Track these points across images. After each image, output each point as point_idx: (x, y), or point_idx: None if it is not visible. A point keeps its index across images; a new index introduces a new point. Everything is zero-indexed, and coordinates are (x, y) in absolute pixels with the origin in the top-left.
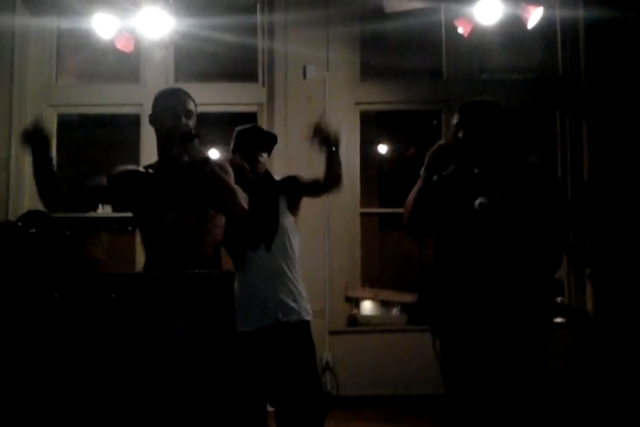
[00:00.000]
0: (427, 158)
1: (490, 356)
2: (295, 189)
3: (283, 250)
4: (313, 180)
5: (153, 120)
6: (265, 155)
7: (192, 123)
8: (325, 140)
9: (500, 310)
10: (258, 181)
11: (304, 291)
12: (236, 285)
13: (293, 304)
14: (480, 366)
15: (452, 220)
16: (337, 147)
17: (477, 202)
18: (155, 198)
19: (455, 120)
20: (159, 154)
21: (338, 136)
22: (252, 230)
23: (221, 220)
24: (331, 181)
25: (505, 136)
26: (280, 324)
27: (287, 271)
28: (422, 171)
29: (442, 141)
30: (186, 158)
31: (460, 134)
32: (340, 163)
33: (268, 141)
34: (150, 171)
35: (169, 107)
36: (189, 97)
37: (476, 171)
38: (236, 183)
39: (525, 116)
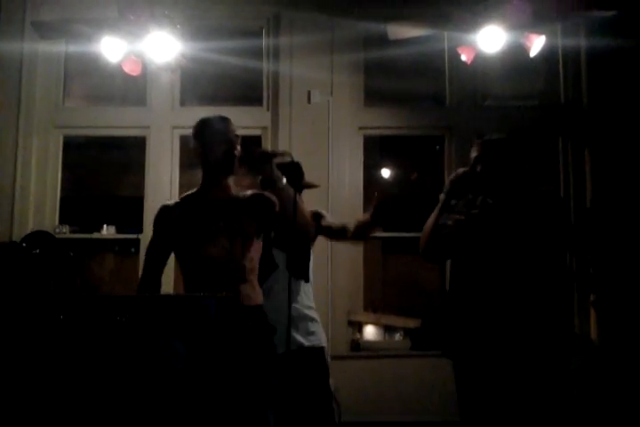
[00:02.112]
0: (447, 184)
1: (509, 381)
2: (317, 226)
3: (304, 268)
4: (339, 226)
5: (199, 147)
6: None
7: (239, 148)
8: (385, 211)
9: (519, 335)
10: None
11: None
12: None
13: (313, 328)
14: (498, 391)
15: (468, 247)
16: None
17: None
18: (205, 227)
19: (474, 153)
20: (203, 182)
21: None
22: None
23: (259, 244)
24: (360, 237)
25: (520, 171)
26: (302, 349)
27: (307, 295)
28: (442, 196)
29: (462, 169)
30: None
31: (479, 168)
32: (374, 230)
33: (297, 173)
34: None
35: (219, 133)
36: (231, 123)
37: (490, 201)
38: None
39: (528, 143)
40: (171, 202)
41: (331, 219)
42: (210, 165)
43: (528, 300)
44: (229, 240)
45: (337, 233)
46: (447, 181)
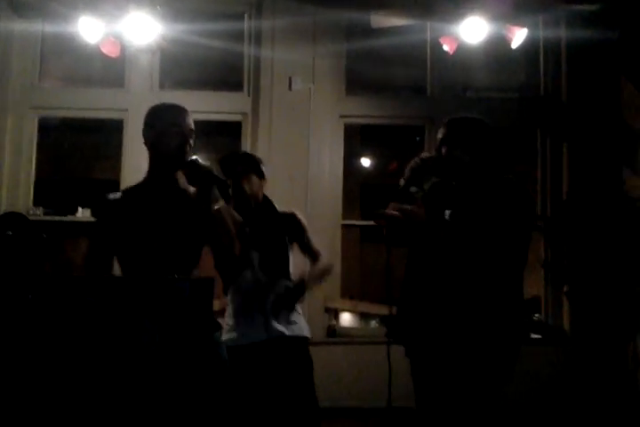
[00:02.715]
0: (407, 171)
1: (450, 370)
2: (294, 232)
3: (282, 267)
4: (312, 249)
5: (151, 136)
6: (255, 178)
7: (192, 142)
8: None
9: (462, 324)
10: (258, 211)
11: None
12: (233, 301)
13: (295, 318)
14: (440, 379)
15: (424, 231)
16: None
17: (447, 213)
18: (144, 227)
19: (440, 135)
20: (151, 174)
21: None
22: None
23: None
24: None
25: (486, 153)
26: (284, 338)
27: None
28: (402, 181)
29: (423, 154)
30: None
31: (444, 149)
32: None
33: (252, 163)
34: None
35: (174, 124)
36: (189, 115)
37: (454, 184)
38: (236, 210)
39: (506, 135)
40: (113, 195)
41: (309, 239)
42: (160, 156)
43: (473, 288)
44: (175, 236)
45: (309, 253)
46: (407, 168)
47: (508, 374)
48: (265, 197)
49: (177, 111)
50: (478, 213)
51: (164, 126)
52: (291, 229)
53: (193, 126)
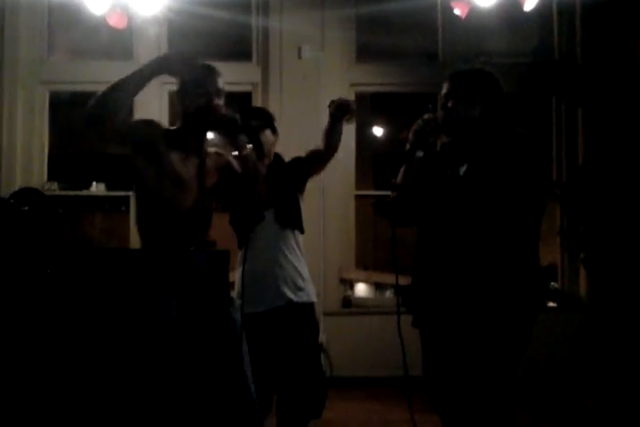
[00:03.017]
0: (410, 135)
1: (465, 339)
2: (302, 170)
3: (296, 221)
4: (312, 152)
5: (179, 94)
6: (269, 132)
7: (221, 102)
8: (344, 114)
9: (476, 293)
10: (271, 167)
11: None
12: (241, 264)
13: (302, 284)
14: (453, 348)
15: (434, 193)
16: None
17: (462, 170)
18: (180, 172)
19: (445, 90)
20: (181, 127)
21: (354, 111)
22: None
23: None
24: (331, 148)
25: (497, 106)
26: (292, 304)
27: (295, 251)
28: (407, 147)
29: (426, 115)
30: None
31: (450, 104)
32: (341, 133)
33: (267, 118)
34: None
35: (199, 85)
36: (218, 75)
37: (465, 142)
38: None
39: (521, 100)
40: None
41: (306, 153)
42: (186, 115)
43: (489, 252)
44: (201, 192)
45: (318, 158)
46: (410, 131)
47: (523, 343)
48: (275, 153)
49: (204, 72)
50: (492, 172)
51: (189, 86)
52: (300, 171)
53: (222, 86)
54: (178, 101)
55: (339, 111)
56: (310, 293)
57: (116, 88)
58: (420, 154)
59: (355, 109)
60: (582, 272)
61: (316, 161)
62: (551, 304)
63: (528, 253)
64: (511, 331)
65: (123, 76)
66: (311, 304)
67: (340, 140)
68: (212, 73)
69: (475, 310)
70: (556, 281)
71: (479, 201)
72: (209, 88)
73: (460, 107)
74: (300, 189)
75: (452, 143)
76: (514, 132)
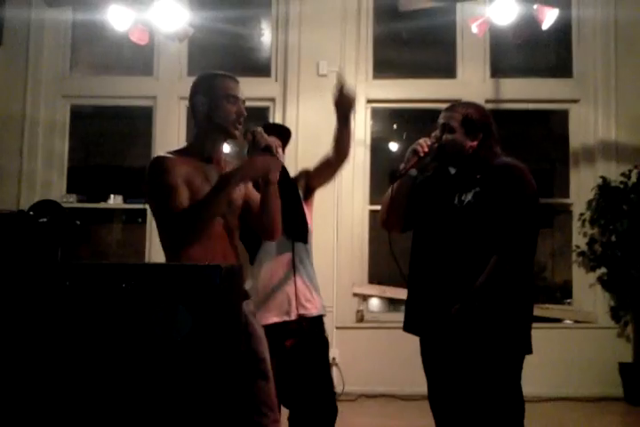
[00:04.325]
0: (407, 154)
1: (465, 361)
2: (308, 181)
3: (303, 234)
4: (321, 162)
5: (205, 105)
6: (281, 150)
7: (245, 113)
8: (346, 104)
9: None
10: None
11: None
12: (252, 279)
13: (311, 297)
14: (450, 367)
15: (429, 217)
16: (350, 113)
17: (456, 199)
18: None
19: (442, 120)
20: (198, 141)
21: (354, 101)
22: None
23: None
24: (341, 154)
25: (488, 138)
26: (301, 319)
27: (304, 262)
28: (401, 166)
29: (422, 140)
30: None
31: (445, 136)
32: (350, 136)
33: (286, 137)
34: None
35: (230, 95)
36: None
37: (453, 172)
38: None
39: (538, 117)
40: (170, 155)
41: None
42: (214, 126)
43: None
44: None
45: (327, 167)
46: (408, 152)
47: (519, 362)
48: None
49: (232, 81)
50: (485, 202)
51: (219, 96)
52: (306, 183)
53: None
54: (199, 111)
55: (343, 105)
56: (319, 305)
57: (206, 209)
58: (413, 172)
59: (351, 98)
60: (597, 289)
61: (326, 170)
62: (567, 321)
63: (523, 275)
64: (509, 351)
65: (209, 195)
66: (320, 318)
67: (349, 145)
68: (238, 83)
69: (473, 329)
70: (570, 298)
71: (481, 227)
72: (239, 96)
73: (454, 138)
74: (306, 199)
75: (441, 170)
76: (502, 162)
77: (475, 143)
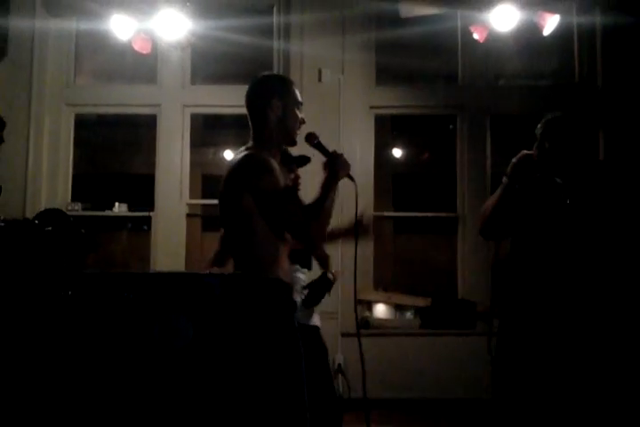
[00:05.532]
0: (510, 166)
1: (563, 360)
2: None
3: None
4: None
5: (280, 109)
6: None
7: None
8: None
9: (582, 312)
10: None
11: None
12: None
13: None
14: (549, 370)
15: (537, 223)
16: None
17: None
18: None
19: (540, 130)
20: (273, 144)
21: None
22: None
23: None
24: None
25: (585, 147)
26: (300, 326)
27: (301, 276)
28: (505, 178)
29: (526, 151)
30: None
31: (547, 145)
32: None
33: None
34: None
35: (300, 102)
36: None
37: (559, 181)
38: None
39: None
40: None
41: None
42: (284, 130)
43: (593, 277)
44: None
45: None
46: (510, 165)
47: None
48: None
49: (296, 87)
50: (599, 202)
51: (294, 102)
52: None
53: None
54: (272, 114)
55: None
56: (313, 316)
57: (323, 218)
58: (516, 186)
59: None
60: None
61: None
62: None
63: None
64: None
65: (321, 205)
66: (316, 328)
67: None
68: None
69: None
70: None
71: (591, 228)
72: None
73: (555, 149)
74: None
75: (544, 180)
76: (600, 164)
77: (572, 152)
